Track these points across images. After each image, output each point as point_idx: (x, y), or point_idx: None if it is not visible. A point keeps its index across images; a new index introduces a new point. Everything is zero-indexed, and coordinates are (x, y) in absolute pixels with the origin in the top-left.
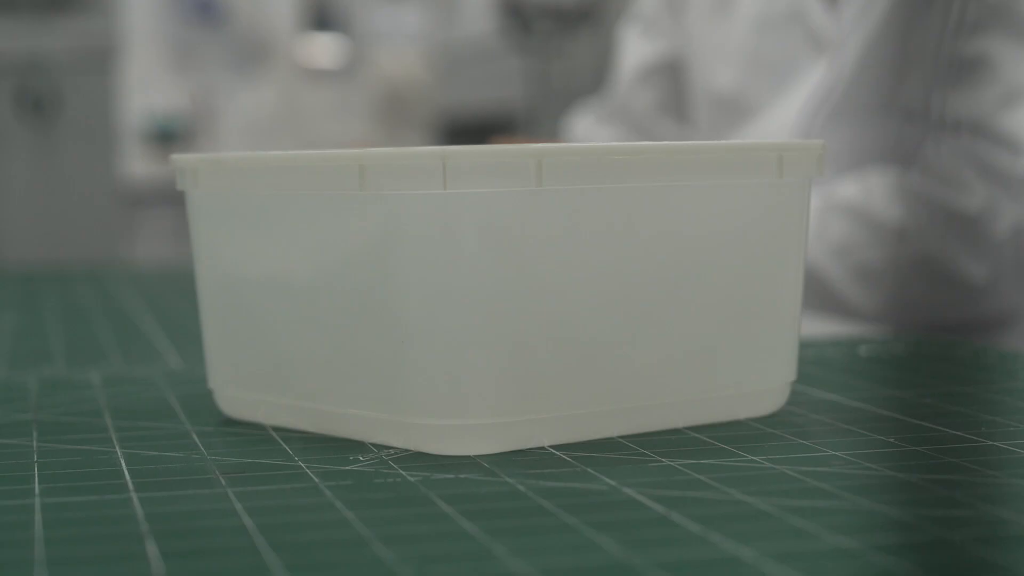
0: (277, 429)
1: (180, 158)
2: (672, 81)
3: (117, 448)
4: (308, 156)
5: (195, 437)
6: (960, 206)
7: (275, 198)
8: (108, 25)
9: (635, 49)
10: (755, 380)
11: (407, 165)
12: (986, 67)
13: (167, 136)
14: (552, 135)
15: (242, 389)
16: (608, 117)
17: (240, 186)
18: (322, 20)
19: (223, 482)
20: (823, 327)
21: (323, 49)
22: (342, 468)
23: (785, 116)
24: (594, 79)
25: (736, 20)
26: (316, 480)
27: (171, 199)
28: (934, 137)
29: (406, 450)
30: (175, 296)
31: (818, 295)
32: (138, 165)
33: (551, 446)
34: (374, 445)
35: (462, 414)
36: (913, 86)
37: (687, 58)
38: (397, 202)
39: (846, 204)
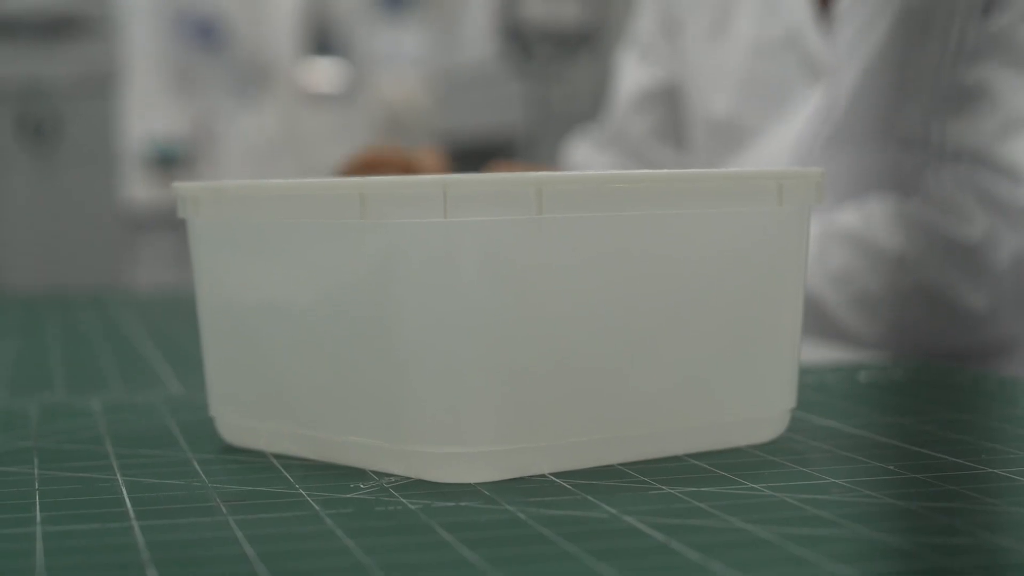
0: (278, 456)
1: (181, 186)
2: (669, 107)
3: (118, 476)
4: (309, 185)
5: (196, 464)
6: (960, 235)
7: (276, 226)
8: (109, 50)
9: (632, 75)
10: (755, 407)
11: (408, 194)
12: (985, 96)
13: (168, 160)
14: (551, 160)
15: (243, 416)
16: (606, 143)
17: (241, 214)
18: (322, 44)
19: (224, 510)
20: (823, 353)
21: (323, 73)
22: (343, 496)
23: (782, 142)
24: (594, 103)
25: (732, 45)
26: (317, 508)
27: (172, 223)
28: (934, 165)
29: (407, 478)
30: (176, 321)
31: (818, 323)
32: (139, 189)
33: (551, 474)
34: (375, 473)
35: (462, 442)
36: (911, 114)
37: (684, 83)
38: (398, 230)
39: (846, 232)
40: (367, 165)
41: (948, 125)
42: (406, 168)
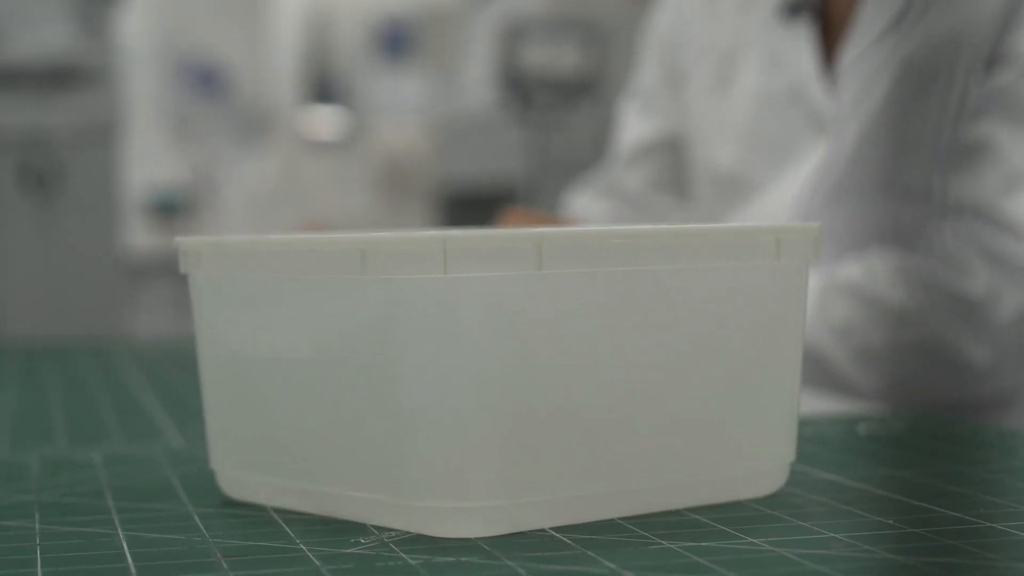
0: (278, 511)
1: (183, 241)
2: (669, 158)
3: (119, 530)
4: (310, 240)
5: (196, 519)
6: (962, 290)
7: (277, 281)
8: (110, 100)
9: (633, 126)
10: (755, 461)
11: (408, 250)
12: (987, 152)
13: (169, 208)
14: (551, 208)
15: (244, 470)
16: (605, 192)
17: (242, 269)
18: (323, 92)
19: (225, 565)
20: (822, 405)
21: (324, 121)
22: (343, 551)
23: (785, 195)
24: (594, 151)
25: (736, 98)
26: (317, 563)
27: (173, 271)
28: (936, 220)
29: (407, 532)
30: (176, 371)
31: (819, 374)
32: (140, 237)
33: (551, 528)
34: (375, 527)
35: (463, 496)
36: (913, 168)
37: (687, 135)
38: (398, 286)
39: (849, 285)
40: None
41: (950, 180)
42: None
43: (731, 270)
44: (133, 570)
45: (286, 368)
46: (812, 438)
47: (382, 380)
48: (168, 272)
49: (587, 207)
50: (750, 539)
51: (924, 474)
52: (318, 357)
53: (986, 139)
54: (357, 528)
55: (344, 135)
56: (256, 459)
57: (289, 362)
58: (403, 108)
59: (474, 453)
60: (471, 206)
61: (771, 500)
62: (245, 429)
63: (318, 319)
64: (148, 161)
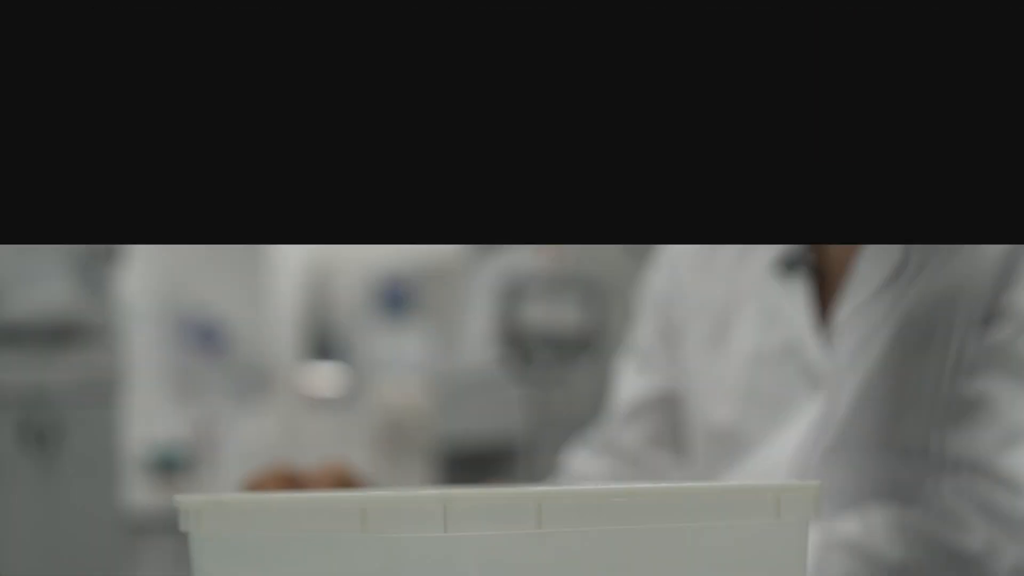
0: None
1: (183, 499)
2: (667, 414)
3: None
4: (310, 499)
5: None
6: (960, 545)
7: (278, 539)
8: (111, 357)
9: (630, 383)
10: None
11: (408, 508)
12: (985, 407)
13: (169, 465)
14: (550, 466)
15: None
16: (603, 450)
17: (243, 527)
18: (323, 349)
19: None
20: None
21: (324, 377)
22: None
23: (782, 451)
24: (593, 408)
25: (731, 354)
26: None
27: (174, 528)
28: (933, 475)
29: None
30: None
31: None
32: (140, 494)
33: None
34: None
35: None
36: (911, 424)
37: (683, 392)
38: (399, 544)
39: (847, 541)
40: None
41: (948, 436)
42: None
43: (731, 528)
44: None
45: None
46: None
47: None
48: (169, 529)
49: (585, 464)
50: None
51: None
52: None
53: (984, 394)
54: None
55: (344, 392)
56: None
57: None
58: (403, 365)
59: None
60: (471, 463)
61: None
62: None
63: None
64: (149, 418)
